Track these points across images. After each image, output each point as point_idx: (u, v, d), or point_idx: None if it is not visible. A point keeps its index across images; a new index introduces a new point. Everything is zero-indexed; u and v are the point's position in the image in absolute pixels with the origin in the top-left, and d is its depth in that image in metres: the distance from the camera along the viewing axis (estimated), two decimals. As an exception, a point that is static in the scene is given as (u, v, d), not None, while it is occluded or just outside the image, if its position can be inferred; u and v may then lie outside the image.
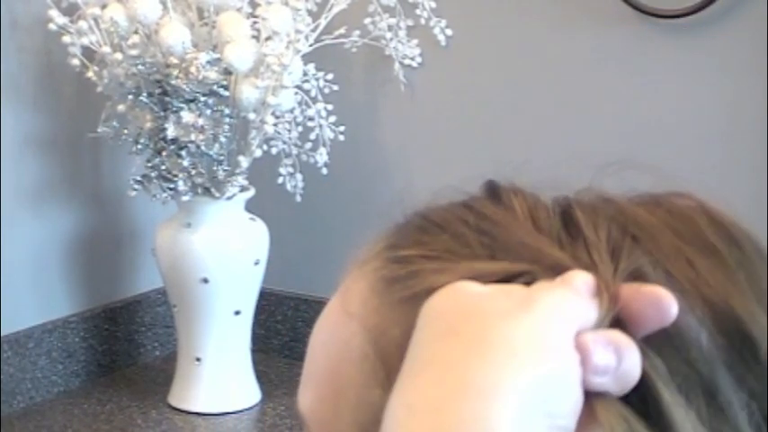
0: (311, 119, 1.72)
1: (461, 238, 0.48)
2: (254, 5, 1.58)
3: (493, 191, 0.51)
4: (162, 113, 1.57)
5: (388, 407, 0.41)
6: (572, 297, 0.43)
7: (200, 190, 1.62)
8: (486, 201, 0.50)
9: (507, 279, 0.45)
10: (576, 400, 0.41)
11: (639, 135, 1.58)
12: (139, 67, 1.54)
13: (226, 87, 1.55)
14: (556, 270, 0.45)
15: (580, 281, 0.44)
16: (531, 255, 0.46)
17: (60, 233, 1.77)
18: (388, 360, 0.46)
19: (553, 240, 0.47)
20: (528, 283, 0.44)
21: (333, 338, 0.50)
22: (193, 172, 1.59)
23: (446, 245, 0.48)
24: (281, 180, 1.74)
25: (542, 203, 0.50)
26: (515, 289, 0.44)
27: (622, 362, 0.42)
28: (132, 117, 1.61)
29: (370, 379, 0.47)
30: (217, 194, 1.62)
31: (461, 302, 0.43)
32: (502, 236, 0.48)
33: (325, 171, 1.72)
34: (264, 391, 1.74)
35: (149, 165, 1.60)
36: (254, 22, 1.57)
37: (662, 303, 0.44)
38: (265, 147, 1.68)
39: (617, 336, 0.43)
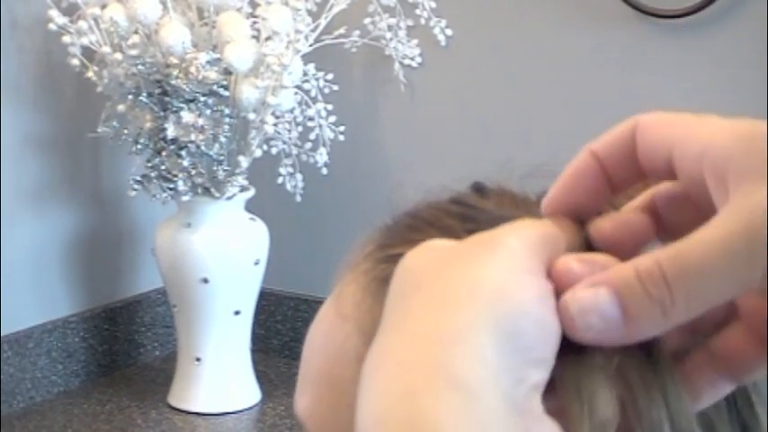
0: (311, 119, 1.72)
1: (449, 230, 0.48)
2: (254, 5, 1.58)
3: (479, 189, 0.51)
4: (162, 113, 1.57)
5: (361, 372, 0.40)
6: (539, 229, 0.42)
7: (200, 190, 1.62)
8: (471, 195, 0.51)
9: None
10: (550, 331, 0.39)
11: (639, 135, 1.58)
12: (139, 67, 1.54)
13: (226, 87, 1.55)
14: None
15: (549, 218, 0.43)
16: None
17: (60, 233, 1.77)
18: None
19: (533, 215, 0.47)
20: None
21: (328, 341, 0.51)
22: (193, 172, 1.59)
23: (433, 238, 0.48)
24: (281, 180, 1.74)
25: (525, 196, 0.50)
26: (482, 235, 0.42)
27: None
28: (132, 117, 1.61)
29: None
30: (217, 194, 1.63)
31: (426, 258, 0.42)
32: (484, 218, 0.48)
33: (325, 171, 1.72)
34: (264, 391, 1.74)
35: (149, 165, 1.60)
36: (254, 22, 1.57)
37: (635, 227, 0.43)
38: (265, 147, 1.68)
39: (598, 255, 0.42)
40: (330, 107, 1.73)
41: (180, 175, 1.59)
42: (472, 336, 0.38)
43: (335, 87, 1.73)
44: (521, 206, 0.49)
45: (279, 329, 1.92)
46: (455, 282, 0.40)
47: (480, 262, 0.40)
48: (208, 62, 1.52)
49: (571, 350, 0.40)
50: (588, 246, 0.44)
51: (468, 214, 0.49)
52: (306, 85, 1.71)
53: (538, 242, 0.41)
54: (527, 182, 0.51)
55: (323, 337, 0.51)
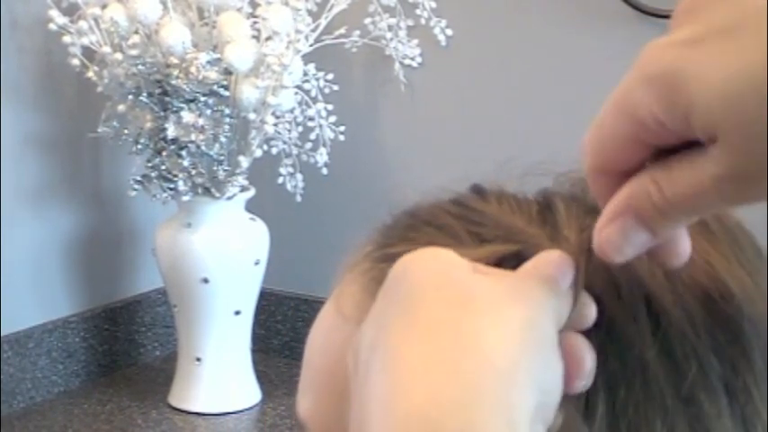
0: (311, 119, 1.72)
1: (448, 229, 0.49)
2: (254, 5, 1.58)
3: (478, 190, 0.52)
4: (162, 113, 1.57)
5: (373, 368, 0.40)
6: (555, 294, 0.43)
7: (200, 190, 1.62)
8: (471, 196, 0.51)
9: (498, 262, 0.46)
10: (557, 401, 0.42)
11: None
12: (139, 67, 1.54)
13: (226, 87, 1.55)
14: (536, 249, 0.45)
15: (561, 276, 0.44)
16: (514, 235, 0.47)
17: (60, 233, 1.77)
18: None
19: (532, 222, 0.48)
20: (515, 266, 0.45)
21: (329, 342, 0.51)
22: (193, 172, 1.59)
23: (432, 237, 0.48)
24: (281, 180, 1.74)
25: (524, 198, 0.51)
26: (498, 274, 0.44)
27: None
28: (132, 117, 1.61)
29: None
30: (217, 194, 1.63)
31: (448, 275, 0.42)
32: (487, 223, 0.48)
33: (325, 171, 1.72)
34: (264, 391, 1.74)
35: (149, 165, 1.60)
36: (254, 22, 1.57)
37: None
38: (265, 147, 1.68)
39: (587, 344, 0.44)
40: (330, 107, 1.73)
41: (180, 175, 1.59)
42: (523, 377, 0.39)
43: (335, 87, 1.73)
44: (516, 211, 0.49)
45: (279, 329, 1.92)
46: (512, 313, 0.41)
47: (529, 306, 0.42)
48: (208, 62, 1.52)
49: None
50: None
51: (470, 217, 0.49)
52: (306, 85, 1.71)
53: (556, 308, 0.43)
54: (526, 180, 0.51)
55: (323, 338, 0.51)
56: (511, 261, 0.46)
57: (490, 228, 0.48)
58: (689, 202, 0.41)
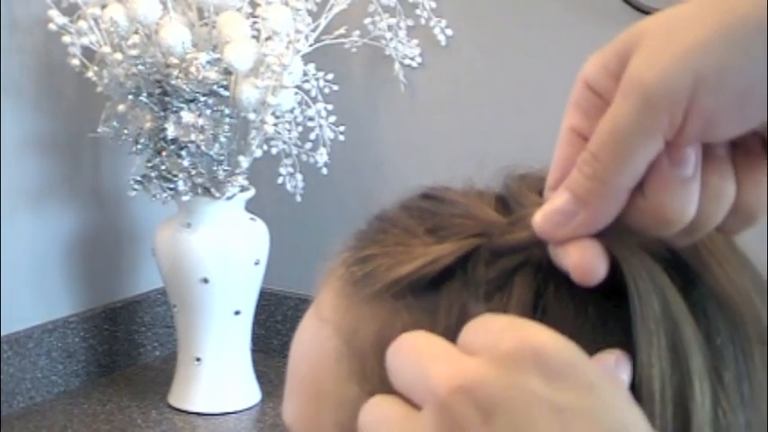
0: (311, 119, 1.72)
1: (410, 229, 0.50)
2: (254, 5, 1.58)
3: (437, 188, 0.53)
4: (162, 113, 1.57)
5: None
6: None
7: (200, 190, 1.62)
8: (430, 194, 0.52)
9: (462, 259, 0.46)
10: None
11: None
12: (139, 67, 1.54)
13: (226, 87, 1.55)
14: (496, 234, 0.47)
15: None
16: (471, 223, 0.48)
17: (60, 233, 1.77)
18: (362, 356, 0.48)
19: (490, 206, 0.49)
20: (488, 263, 0.46)
21: (310, 346, 0.52)
22: (193, 172, 1.59)
23: (397, 239, 0.50)
24: (281, 180, 1.74)
25: (489, 191, 0.52)
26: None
27: None
28: (132, 117, 1.61)
29: (346, 377, 0.48)
30: (217, 194, 1.63)
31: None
32: (444, 212, 0.50)
33: (325, 171, 1.72)
34: (264, 391, 1.74)
35: (149, 165, 1.60)
36: (254, 22, 1.57)
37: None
38: (265, 147, 1.68)
39: None
40: (330, 107, 1.73)
41: (180, 175, 1.59)
42: None
43: (335, 87, 1.73)
44: (474, 201, 0.50)
45: (279, 329, 1.92)
46: None
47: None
48: (208, 62, 1.52)
49: None
50: None
51: (425, 208, 0.50)
52: (306, 85, 1.71)
53: None
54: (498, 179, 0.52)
55: (305, 344, 0.53)
56: (474, 257, 0.47)
57: (446, 221, 0.49)
58: (614, 146, 0.43)
